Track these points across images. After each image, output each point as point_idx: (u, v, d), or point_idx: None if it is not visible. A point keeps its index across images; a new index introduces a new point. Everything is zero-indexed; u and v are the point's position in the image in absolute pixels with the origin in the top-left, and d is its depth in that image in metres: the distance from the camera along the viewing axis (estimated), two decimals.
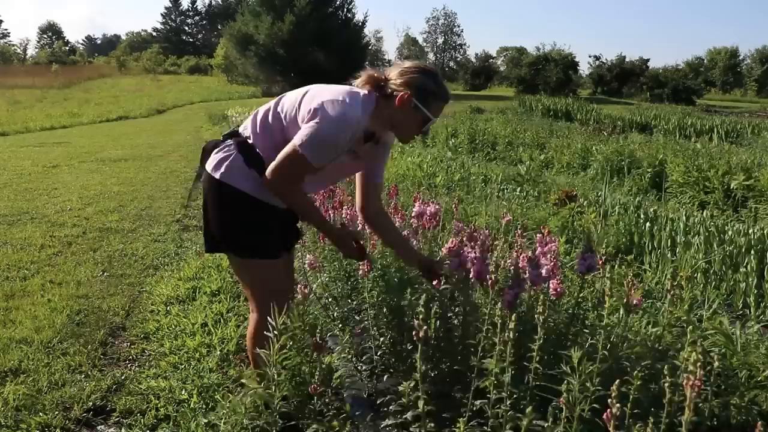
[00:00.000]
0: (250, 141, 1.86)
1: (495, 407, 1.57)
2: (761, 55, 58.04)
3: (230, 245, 1.89)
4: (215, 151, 1.88)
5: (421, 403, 1.35)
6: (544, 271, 1.73)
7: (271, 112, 1.88)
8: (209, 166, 1.86)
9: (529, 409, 1.06)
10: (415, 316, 1.38)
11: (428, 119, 1.84)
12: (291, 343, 2.28)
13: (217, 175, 1.82)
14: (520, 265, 1.74)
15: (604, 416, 1.14)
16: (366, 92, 1.81)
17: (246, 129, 1.91)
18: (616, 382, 1.13)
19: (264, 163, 1.80)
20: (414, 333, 1.31)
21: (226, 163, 1.82)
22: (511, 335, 1.36)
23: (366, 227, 2.23)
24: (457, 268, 1.88)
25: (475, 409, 1.59)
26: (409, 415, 1.49)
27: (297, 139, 1.72)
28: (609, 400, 1.04)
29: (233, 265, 2.02)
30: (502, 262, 2.03)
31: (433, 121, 1.86)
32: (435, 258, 2.11)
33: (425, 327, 1.31)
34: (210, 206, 1.87)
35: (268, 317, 1.72)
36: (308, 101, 1.79)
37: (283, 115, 1.85)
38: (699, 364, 1.08)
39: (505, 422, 1.41)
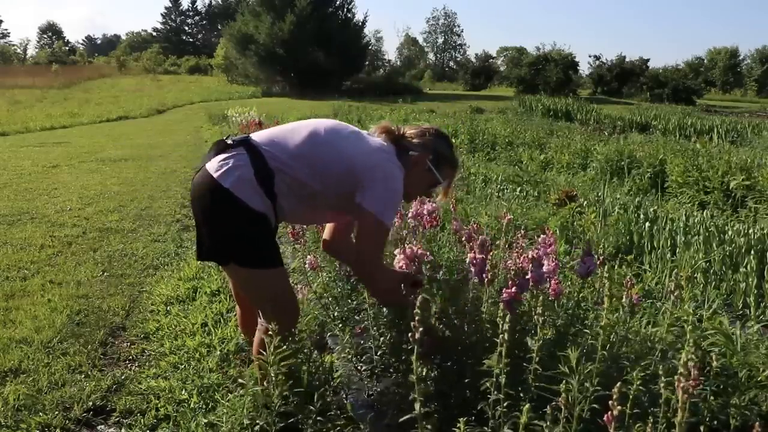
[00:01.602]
0: (271, 164, 1.73)
1: (495, 407, 1.58)
2: (761, 55, 58.02)
3: (235, 257, 1.75)
4: (223, 156, 1.74)
5: (417, 406, 1.35)
6: (544, 271, 1.73)
7: (304, 148, 1.77)
8: (214, 170, 1.71)
9: (526, 407, 1.07)
10: (411, 318, 1.37)
11: (438, 183, 1.91)
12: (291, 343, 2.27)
13: (226, 184, 1.68)
14: (520, 264, 1.74)
15: (605, 417, 1.14)
16: (392, 148, 1.86)
17: (268, 147, 1.77)
18: (618, 384, 1.13)
19: (273, 184, 1.72)
20: (410, 335, 1.31)
21: (237, 173, 1.69)
22: (506, 336, 1.35)
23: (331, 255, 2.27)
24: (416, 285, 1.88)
25: (475, 409, 1.59)
26: (406, 417, 1.49)
27: (375, 207, 1.70)
28: (610, 402, 1.04)
29: (236, 278, 1.89)
30: (502, 262, 2.04)
31: (443, 184, 1.94)
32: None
33: (421, 329, 1.31)
34: (211, 215, 1.74)
35: (287, 321, 1.72)
36: (361, 166, 1.76)
37: (319, 160, 1.77)
38: (692, 365, 1.08)
39: (502, 423, 1.41)
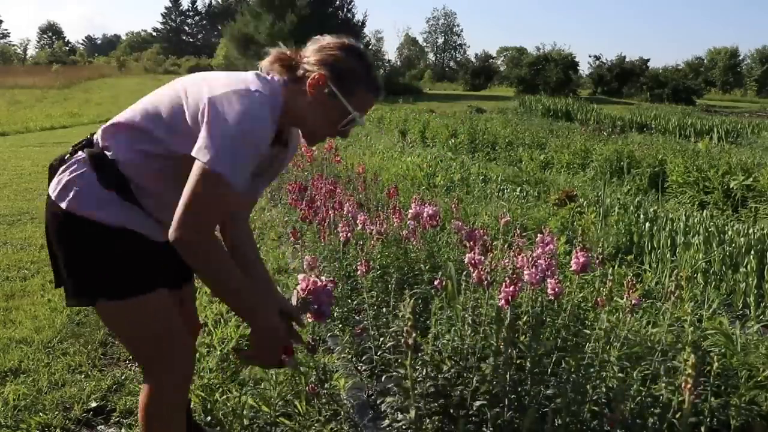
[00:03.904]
0: (109, 153, 1.36)
1: (494, 408, 1.58)
2: (761, 55, 58.05)
3: (92, 292, 1.35)
4: (60, 170, 1.37)
5: (412, 412, 1.34)
6: (540, 270, 1.73)
7: (139, 119, 1.37)
8: (52, 190, 1.36)
9: (530, 411, 1.06)
10: (404, 322, 1.33)
11: (347, 112, 1.37)
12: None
13: (63, 204, 1.32)
14: (518, 264, 1.74)
15: (607, 419, 1.14)
16: (273, 76, 1.39)
17: (105, 137, 1.40)
18: (621, 385, 1.13)
19: (126, 182, 1.35)
20: (403, 341, 1.29)
21: (76, 187, 1.33)
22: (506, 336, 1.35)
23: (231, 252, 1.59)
24: (315, 314, 1.52)
25: (474, 409, 1.59)
26: (402, 417, 1.49)
27: (201, 154, 1.23)
28: (613, 404, 1.04)
29: (106, 320, 1.46)
30: (501, 262, 2.04)
31: (354, 116, 1.38)
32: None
33: (414, 334, 1.28)
34: (56, 246, 1.37)
35: (170, 379, 1.39)
36: (197, 95, 1.31)
37: (158, 120, 1.35)
38: (694, 366, 1.08)
39: (503, 424, 1.41)
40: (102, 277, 1.34)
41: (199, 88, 1.32)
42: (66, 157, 1.40)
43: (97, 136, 1.41)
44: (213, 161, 1.21)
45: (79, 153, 1.38)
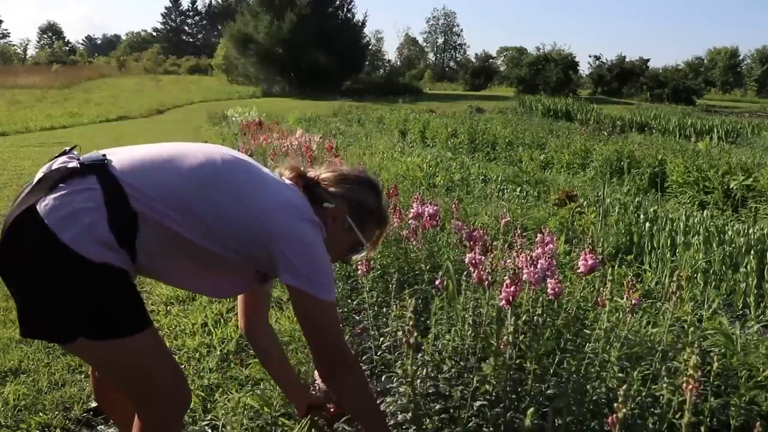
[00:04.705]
0: (133, 202, 1.20)
1: (494, 408, 1.58)
2: (761, 55, 58.05)
3: (85, 329, 1.20)
4: (65, 190, 1.18)
5: (411, 412, 1.35)
6: (540, 270, 1.73)
7: (191, 195, 1.25)
8: (47, 211, 1.15)
9: (530, 411, 1.06)
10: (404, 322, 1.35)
11: (360, 244, 1.46)
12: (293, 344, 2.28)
13: (64, 238, 1.14)
14: (518, 264, 1.74)
15: (608, 420, 1.14)
16: (296, 189, 1.41)
17: (132, 172, 1.23)
18: (624, 386, 1.13)
19: (135, 230, 1.21)
20: (404, 340, 1.30)
21: (83, 221, 1.16)
22: (511, 337, 1.35)
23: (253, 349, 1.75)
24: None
25: (474, 409, 1.59)
26: (402, 417, 1.49)
27: (308, 284, 1.27)
28: (615, 405, 1.04)
29: (85, 355, 1.35)
30: (502, 262, 2.04)
31: (367, 247, 1.49)
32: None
33: (415, 334, 1.29)
34: (38, 277, 1.17)
35: (170, 413, 1.33)
36: (265, 219, 1.28)
37: (210, 209, 1.26)
38: (696, 367, 1.08)
39: (503, 424, 1.41)
40: (87, 314, 1.19)
41: (263, 206, 1.29)
42: (72, 175, 1.20)
43: (121, 172, 1.22)
44: (325, 292, 1.28)
45: (90, 179, 1.20)
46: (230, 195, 1.28)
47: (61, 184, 1.19)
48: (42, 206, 1.16)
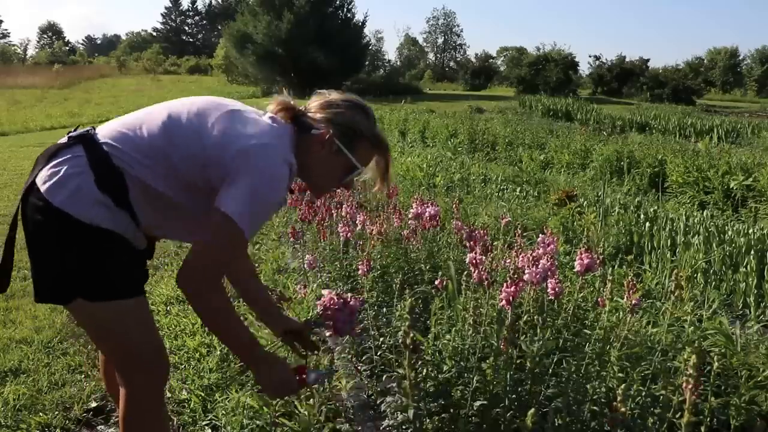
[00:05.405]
0: (115, 160, 1.30)
1: (494, 408, 1.58)
2: (761, 55, 58.04)
3: (82, 290, 1.31)
4: (54, 161, 1.31)
5: (410, 412, 1.35)
6: (541, 270, 1.73)
7: (155, 132, 1.34)
8: (42, 182, 1.29)
9: (530, 412, 1.06)
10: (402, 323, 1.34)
11: (354, 167, 1.45)
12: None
13: (55, 201, 1.26)
14: (519, 264, 1.74)
15: (608, 421, 1.14)
16: (286, 127, 1.42)
17: (109, 139, 1.34)
18: (622, 386, 1.13)
19: (125, 189, 1.30)
20: (401, 341, 1.29)
21: (71, 185, 1.28)
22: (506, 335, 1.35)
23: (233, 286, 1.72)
24: (333, 329, 1.54)
25: (474, 409, 1.59)
26: (402, 417, 1.49)
27: (229, 207, 1.25)
28: (615, 404, 1.04)
29: (82, 317, 1.41)
30: (502, 262, 2.04)
31: (359, 170, 1.46)
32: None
33: (412, 334, 1.28)
34: (43, 243, 1.31)
35: (150, 381, 1.40)
36: (222, 138, 1.32)
37: (173, 141, 1.33)
38: (696, 366, 1.08)
39: (497, 423, 1.41)
40: (84, 276, 1.30)
41: (226, 129, 1.33)
42: (62, 148, 1.34)
43: (102, 136, 1.35)
44: (240, 217, 1.25)
45: (77, 148, 1.32)
46: (197, 134, 1.33)
47: (52, 159, 1.31)
48: (39, 178, 1.30)
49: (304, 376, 1.43)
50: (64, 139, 1.36)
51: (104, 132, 1.36)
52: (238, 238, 1.27)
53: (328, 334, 1.60)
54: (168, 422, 1.56)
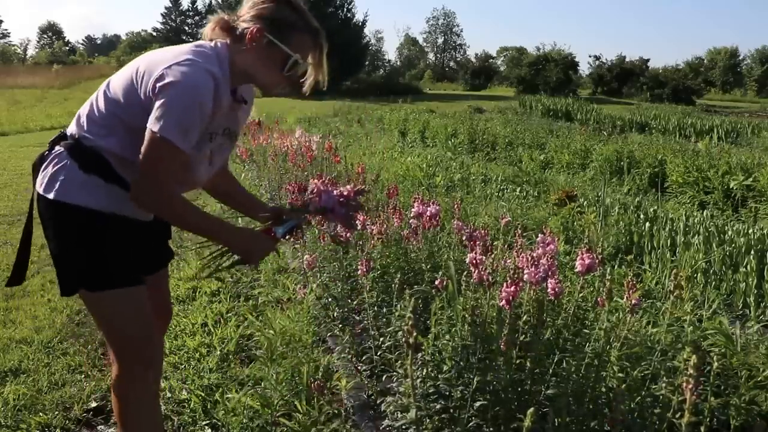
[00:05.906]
0: (85, 141, 1.45)
1: (494, 408, 1.58)
2: (761, 55, 58.07)
3: (79, 279, 1.45)
4: (43, 166, 1.47)
5: (412, 412, 1.34)
6: (542, 270, 1.73)
7: (102, 102, 1.47)
8: (39, 185, 1.46)
9: (530, 411, 1.06)
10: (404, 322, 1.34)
11: (288, 56, 1.48)
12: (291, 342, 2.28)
13: (51, 195, 1.41)
14: (518, 264, 1.74)
15: (608, 421, 1.15)
16: (217, 42, 1.48)
17: (75, 129, 1.49)
18: (622, 386, 1.13)
19: (106, 163, 1.43)
20: (404, 340, 1.29)
21: (60, 177, 1.42)
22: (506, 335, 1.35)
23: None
24: (323, 213, 1.63)
25: (474, 409, 1.59)
26: (402, 417, 1.49)
27: (152, 124, 1.33)
28: (614, 404, 1.04)
29: (87, 306, 1.57)
30: (502, 262, 2.04)
31: (295, 57, 1.49)
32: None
33: (415, 334, 1.28)
34: (51, 236, 1.46)
35: (136, 368, 1.50)
36: (147, 74, 1.40)
37: (117, 100, 1.44)
38: (696, 366, 1.08)
39: (497, 423, 1.41)
40: (87, 268, 1.43)
41: (149, 65, 1.41)
42: (45, 154, 1.48)
43: (71, 129, 1.49)
44: (161, 128, 1.33)
45: (57, 147, 1.47)
46: (128, 83, 1.43)
47: (42, 164, 1.48)
48: (37, 185, 1.47)
49: (273, 234, 1.55)
50: (48, 146, 1.51)
51: (71, 125, 1.51)
52: (168, 148, 1.34)
53: (339, 229, 1.71)
54: (161, 417, 1.67)
